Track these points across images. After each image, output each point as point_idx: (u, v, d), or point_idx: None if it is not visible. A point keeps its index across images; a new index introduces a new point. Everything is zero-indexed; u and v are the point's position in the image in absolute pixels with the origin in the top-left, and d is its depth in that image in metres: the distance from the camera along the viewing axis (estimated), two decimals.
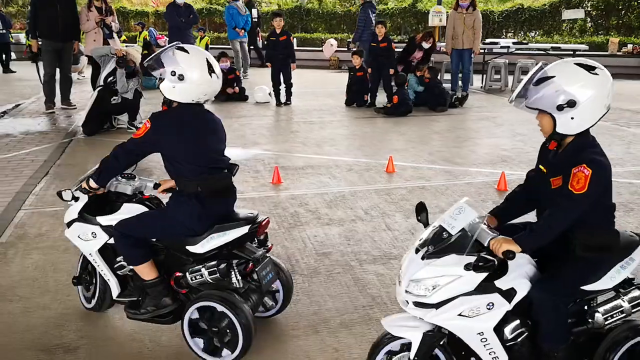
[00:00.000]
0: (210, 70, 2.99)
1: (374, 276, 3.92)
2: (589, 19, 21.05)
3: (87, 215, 3.27)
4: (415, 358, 2.47)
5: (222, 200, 3.10)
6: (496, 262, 2.37)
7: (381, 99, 10.58)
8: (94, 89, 9.88)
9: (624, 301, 2.53)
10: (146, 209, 3.22)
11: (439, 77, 10.87)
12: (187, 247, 3.04)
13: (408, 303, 2.48)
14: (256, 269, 2.99)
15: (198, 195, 2.99)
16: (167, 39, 19.01)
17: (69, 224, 3.35)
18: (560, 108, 2.41)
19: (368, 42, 11.96)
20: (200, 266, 3.03)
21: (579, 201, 2.39)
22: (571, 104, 2.38)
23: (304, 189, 5.77)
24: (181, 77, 2.94)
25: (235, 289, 3.01)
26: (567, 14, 19.00)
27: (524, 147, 7.43)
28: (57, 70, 9.70)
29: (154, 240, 3.16)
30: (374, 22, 12.02)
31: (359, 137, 8.23)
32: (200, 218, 3.00)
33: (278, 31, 10.47)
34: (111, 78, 8.08)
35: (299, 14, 24.59)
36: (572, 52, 12.81)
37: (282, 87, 10.71)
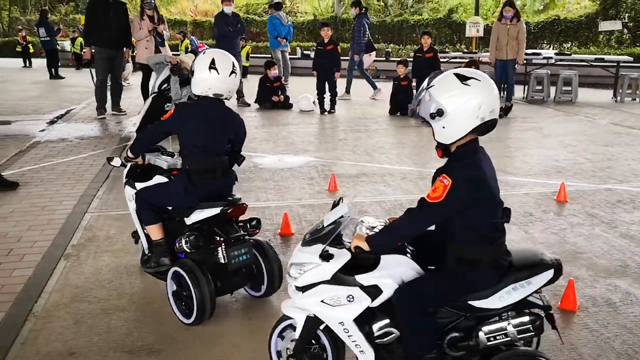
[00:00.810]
0: (211, 67, 3.43)
1: None
2: (625, 30, 20.77)
3: (130, 180, 3.83)
4: (299, 338, 2.69)
5: (210, 181, 3.53)
6: (332, 255, 2.55)
7: None
8: (144, 96, 10.16)
9: (509, 325, 2.46)
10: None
11: None
12: (184, 218, 3.52)
13: (291, 286, 2.68)
14: (226, 248, 3.38)
15: (188, 172, 3.51)
16: (208, 47, 19.45)
17: (124, 186, 3.90)
18: (432, 116, 2.42)
19: (363, 52, 12.62)
20: (182, 235, 3.47)
21: (431, 209, 2.40)
22: (440, 113, 2.38)
23: (361, 196, 5.80)
24: (192, 73, 3.50)
25: (218, 263, 3.42)
26: (604, 26, 18.79)
27: (577, 158, 7.37)
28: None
29: (170, 208, 3.66)
30: (368, 32, 12.63)
31: (408, 145, 8.24)
32: (187, 192, 3.49)
33: (326, 40, 10.62)
34: (165, 85, 8.22)
35: (335, 25, 24.73)
36: (615, 63, 12.67)
37: (326, 96, 10.79)
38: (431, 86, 2.45)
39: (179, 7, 32.55)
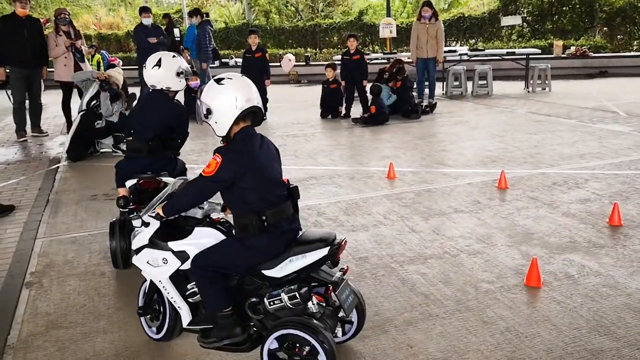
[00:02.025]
0: (157, 65, 4.33)
1: (418, 275, 4.10)
2: (525, 25, 22.09)
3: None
4: (146, 293, 3.33)
5: (139, 158, 4.38)
6: (149, 223, 3.10)
7: (355, 110, 10.83)
8: (66, 115, 9.78)
9: (283, 292, 2.84)
10: None
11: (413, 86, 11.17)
12: None
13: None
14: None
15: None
16: (120, 61, 18.87)
17: None
18: (206, 116, 2.96)
19: (211, 60, 12.58)
20: None
21: (204, 182, 2.89)
22: (209, 112, 2.93)
23: (315, 199, 5.90)
24: (144, 67, 4.40)
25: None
26: (505, 21, 19.97)
27: (507, 147, 7.82)
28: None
29: None
30: (212, 40, 12.71)
31: (347, 147, 8.43)
32: (123, 165, 4.49)
33: (253, 48, 10.63)
34: (94, 102, 7.98)
35: (247, 31, 24.66)
36: (525, 56, 13.48)
37: None
38: (201, 93, 2.99)
39: (81, 20, 31.31)
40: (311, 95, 14.12)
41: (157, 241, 3.09)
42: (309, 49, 21.56)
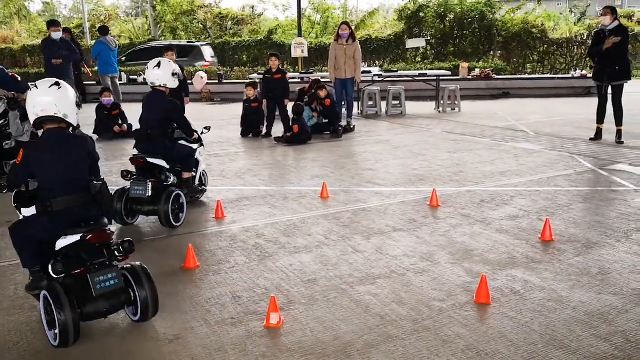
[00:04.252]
0: (157, 66, 5.59)
1: (370, 296, 4.04)
2: (429, 47, 23.03)
3: None
4: None
5: (138, 143, 5.85)
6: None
7: (276, 129, 10.74)
8: None
9: (51, 262, 3.41)
10: None
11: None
12: None
13: None
14: None
15: None
16: (19, 77, 17.73)
17: None
18: None
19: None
20: None
21: (15, 168, 3.56)
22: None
23: (251, 220, 5.73)
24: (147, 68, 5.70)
25: None
26: (410, 43, 20.73)
27: (430, 165, 8.01)
28: None
29: None
30: None
31: (274, 166, 8.30)
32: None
33: None
34: (1, 122, 7.39)
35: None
36: (436, 77, 14.00)
37: None
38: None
39: None
40: (226, 113, 13.93)
41: (18, 206, 3.66)
42: (219, 67, 21.28)
